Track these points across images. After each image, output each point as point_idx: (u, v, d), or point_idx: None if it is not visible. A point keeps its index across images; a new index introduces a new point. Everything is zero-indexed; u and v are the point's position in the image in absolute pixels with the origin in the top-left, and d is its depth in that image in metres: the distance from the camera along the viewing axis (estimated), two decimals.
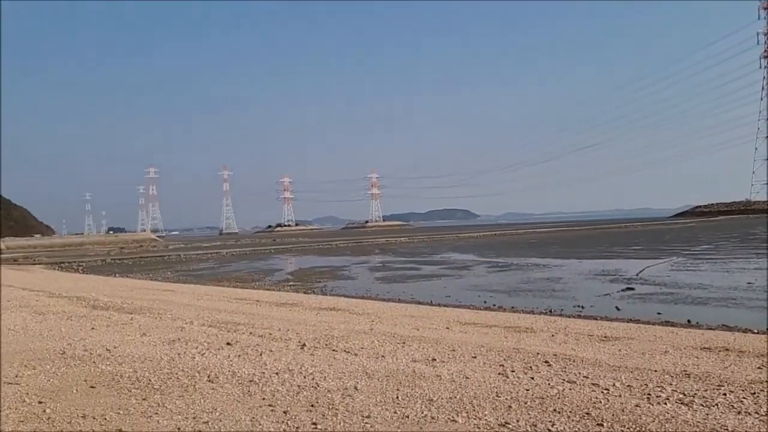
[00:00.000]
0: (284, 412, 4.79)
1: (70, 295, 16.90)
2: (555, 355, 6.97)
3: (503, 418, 4.54)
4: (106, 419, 4.64)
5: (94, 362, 6.83)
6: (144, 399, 5.23)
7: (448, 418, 4.56)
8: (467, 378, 5.82)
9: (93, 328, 9.60)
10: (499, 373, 6.02)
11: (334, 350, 7.48)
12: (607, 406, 4.80)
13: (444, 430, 4.32)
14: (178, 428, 4.41)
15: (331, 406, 4.92)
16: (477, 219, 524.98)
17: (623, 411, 4.64)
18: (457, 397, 5.15)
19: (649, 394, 5.12)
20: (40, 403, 5.11)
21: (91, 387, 5.68)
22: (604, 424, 4.36)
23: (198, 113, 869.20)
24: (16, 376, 6.10)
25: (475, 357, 6.88)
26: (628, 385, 5.44)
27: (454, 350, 7.36)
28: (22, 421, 4.56)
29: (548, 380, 5.72)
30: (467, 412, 4.69)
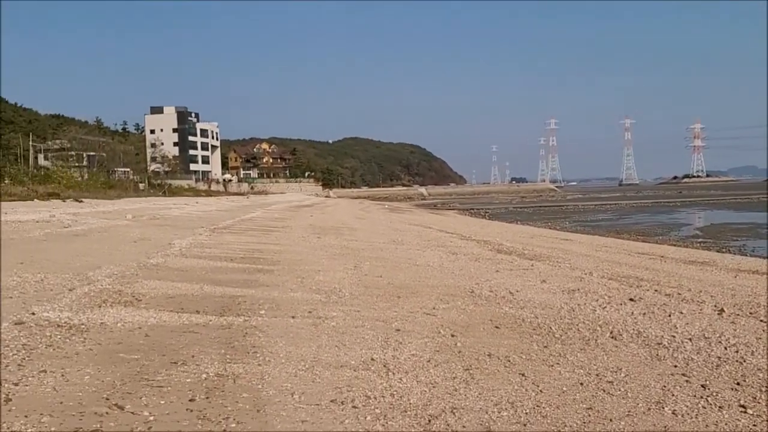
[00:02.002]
0: (702, 386, 4.15)
1: (477, 238, 18.38)
2: None
3: None
4: (510, 361, 4.72)
5: (498, 303, 7.13)
6: (545, 347, 5.18)
7: None
8: None
9: (497, 271, 10.13)
10: None
11: (762, 321, 6.29)
12: None
13: None
14: (581, 383, 4.20)
15: (766, 390, 4.06)
16: None
17: None
18: None
19: None
20: (452, 336, 5.50)
21: (496, 327, 5.90)
22: None
23: (594, 71, 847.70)
24: (433, 308, 6.75)
25: None
26: None
27: None
28: (437, 351, 4.95)
29: None
30: None
